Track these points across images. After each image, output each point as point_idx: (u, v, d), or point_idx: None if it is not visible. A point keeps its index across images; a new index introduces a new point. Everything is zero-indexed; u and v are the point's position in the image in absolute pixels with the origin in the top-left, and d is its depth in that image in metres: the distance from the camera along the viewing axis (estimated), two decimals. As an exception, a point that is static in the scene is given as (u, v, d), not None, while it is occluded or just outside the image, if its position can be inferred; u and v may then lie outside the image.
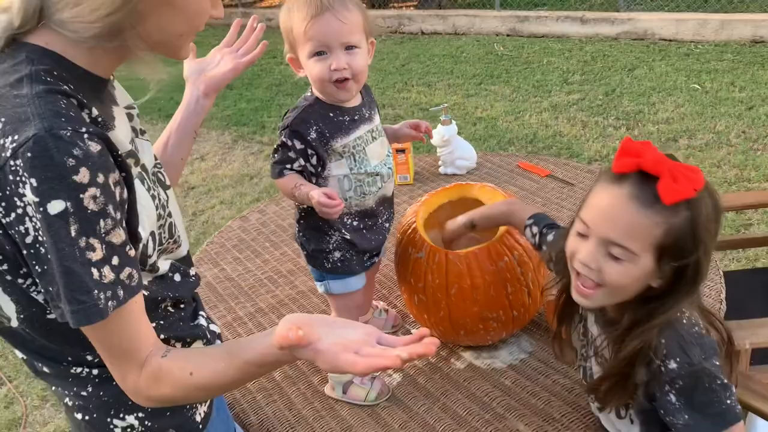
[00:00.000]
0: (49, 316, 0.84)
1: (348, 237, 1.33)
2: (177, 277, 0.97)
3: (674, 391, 0.93)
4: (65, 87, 0.78)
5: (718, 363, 0.93)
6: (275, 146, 1.29)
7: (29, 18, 0.78)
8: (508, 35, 6.55)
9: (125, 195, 0.80)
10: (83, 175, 0.73)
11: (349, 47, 1.22)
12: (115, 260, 0.77)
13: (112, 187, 0.77)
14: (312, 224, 1.33)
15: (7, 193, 0.73)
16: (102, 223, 0.75)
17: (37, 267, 0.76)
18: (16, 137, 0.72)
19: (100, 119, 0.82)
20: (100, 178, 0.75)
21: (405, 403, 1.35)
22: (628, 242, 0.91)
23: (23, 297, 0.83)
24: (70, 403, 0.94)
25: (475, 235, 1.43)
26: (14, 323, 0.86)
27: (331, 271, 1.36)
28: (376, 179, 1.33)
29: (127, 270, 0.79)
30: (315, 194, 1.20)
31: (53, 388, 0.96)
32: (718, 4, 5.86)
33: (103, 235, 0.76)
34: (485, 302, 1.32)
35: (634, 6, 6.36)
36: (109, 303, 0.77)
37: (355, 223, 1.34)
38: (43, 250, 0.75)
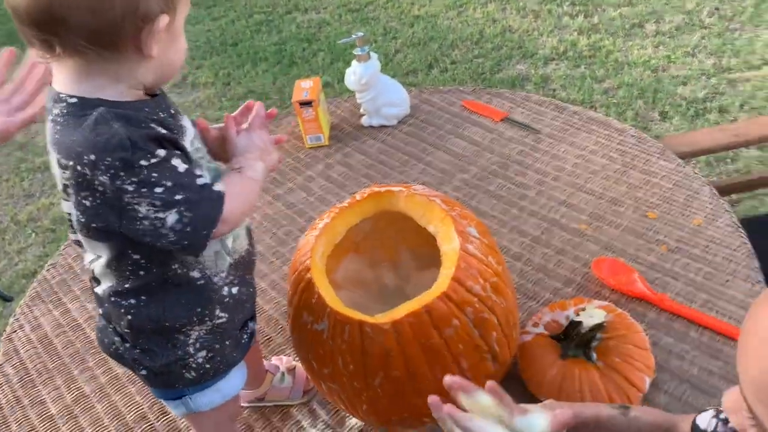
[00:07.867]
0: None
1: (224, 319, 0.84)
2: None
3: None
4: None
5: None
6: None
7: None
8: None
9: None
10: None
11: None
12: None
13: None
14: (157, 324, 0.80)
15: None
16: None
17: None
18: None
19: None
20: None
21: None
22: None
23: None
24: None
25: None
26: None
27: (198, 381, 0.86)
28: None
29: None
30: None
31: None
32: None
33: None
34: (430, 390, 0.85)
35: None
36: None
37: (234, 291, 0.84)
38: None
